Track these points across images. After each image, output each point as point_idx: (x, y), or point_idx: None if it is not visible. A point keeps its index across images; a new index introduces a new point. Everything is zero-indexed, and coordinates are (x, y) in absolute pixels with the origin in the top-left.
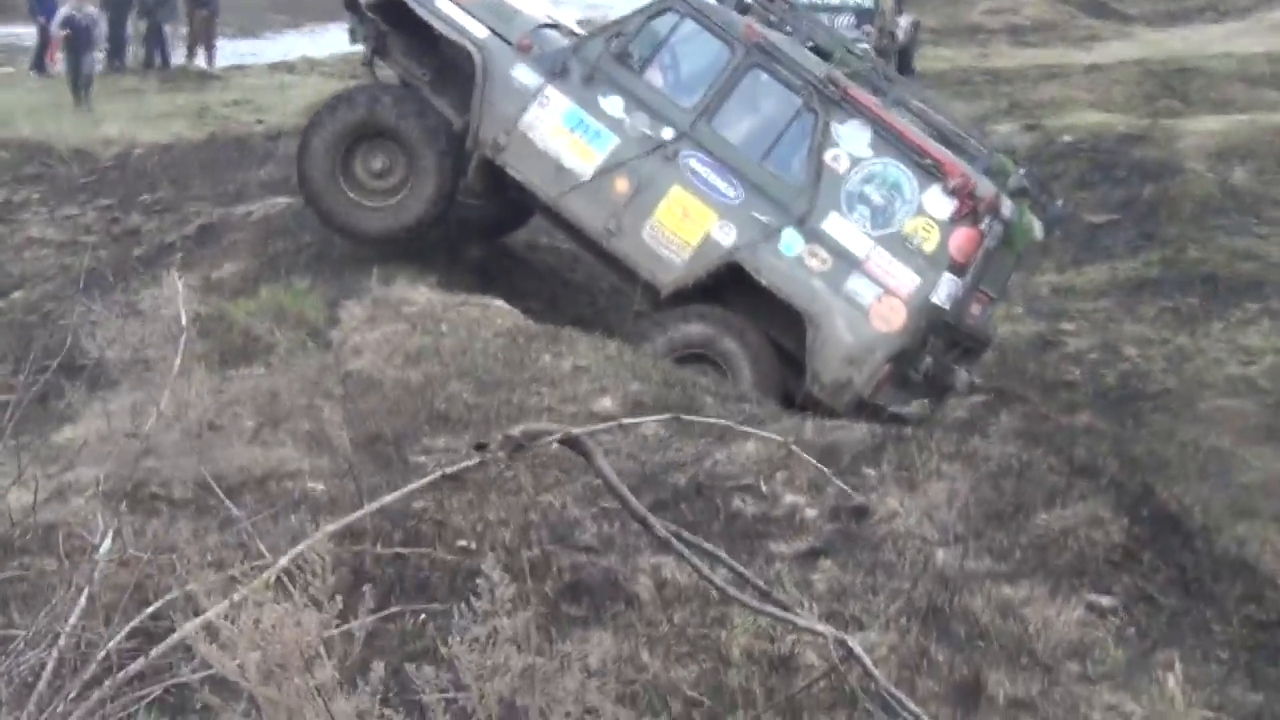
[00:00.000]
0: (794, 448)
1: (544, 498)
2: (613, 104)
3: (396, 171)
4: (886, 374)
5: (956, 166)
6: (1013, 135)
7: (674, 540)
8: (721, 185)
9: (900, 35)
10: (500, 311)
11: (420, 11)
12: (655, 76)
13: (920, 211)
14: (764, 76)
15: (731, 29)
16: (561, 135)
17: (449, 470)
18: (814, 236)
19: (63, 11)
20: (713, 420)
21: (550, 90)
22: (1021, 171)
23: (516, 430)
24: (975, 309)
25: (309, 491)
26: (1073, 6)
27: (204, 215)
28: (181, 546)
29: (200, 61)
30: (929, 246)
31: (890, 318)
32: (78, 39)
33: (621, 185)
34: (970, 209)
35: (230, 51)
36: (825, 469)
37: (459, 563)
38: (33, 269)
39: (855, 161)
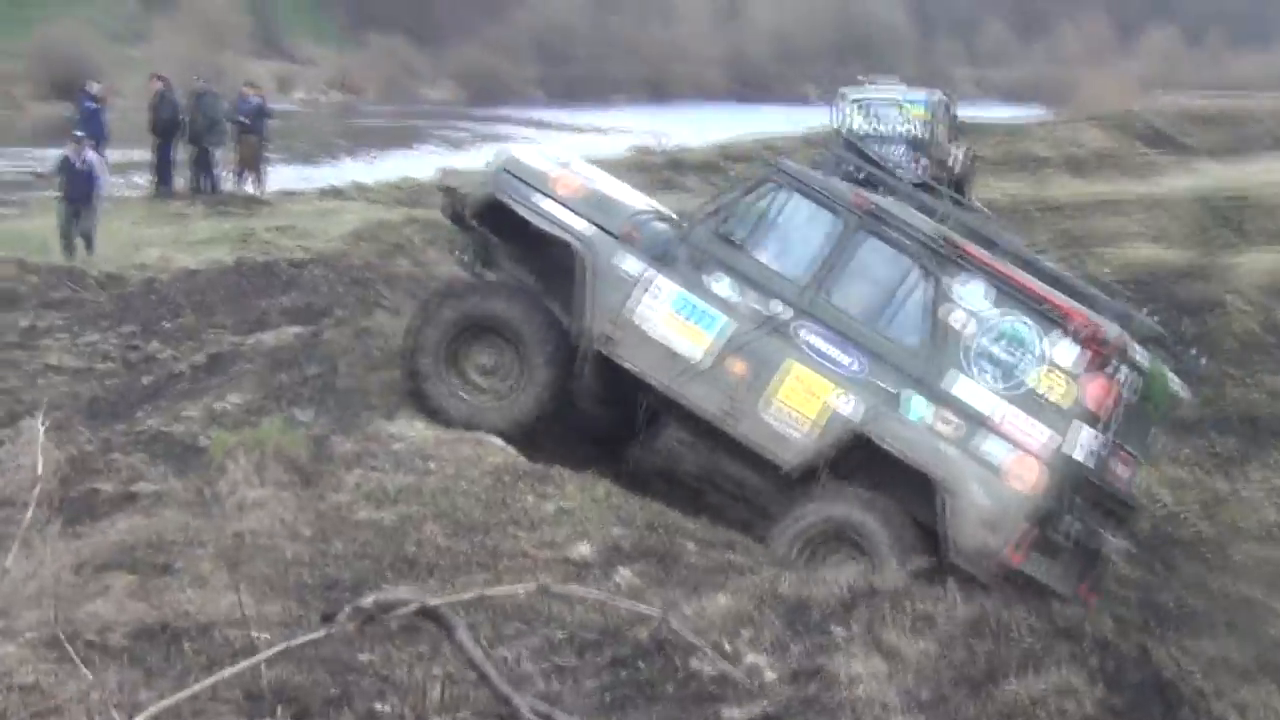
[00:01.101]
0: (671, 622)
1: (499, 651)
2: (722, 285)
3: (506, 368)
4: (1030, 538)
5: (1080, 313)
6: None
7: None
8: (840, 356)
9: (955, 165)
10: (492, 450)
11: (521, 211)
12: (762, 252)
13: (1048, 363)
14: (875, 242)
15: (839, 198)
16: (672, 321)
17: (293, 643)
18: (940, 399)
19: (56, 155)
20: (586, 591)
21: (657, 277)
22: (1153, 317)
23: (368, 600)
24: (1120, 469)
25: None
26: (1133, 137)
27: (216, 344)
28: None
29: (249, 187)
30: (1061, 399)
31: (1026, 476)
32: (72, 187)
33: (737, 366)
34: (1099, 355)
35: (287, 176)
36: (704, 647)
37: None
38: (44, 395)
39: (975, 318)
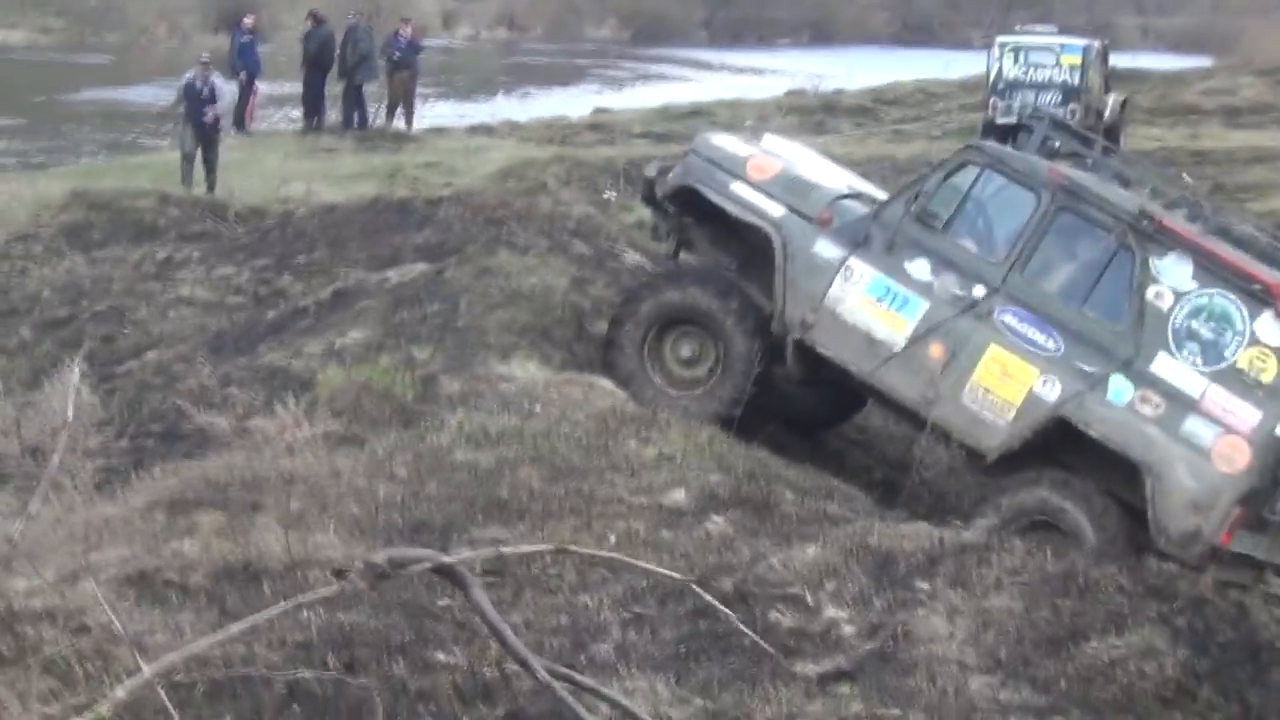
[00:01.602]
0: (695, 587)
1: (581, 598)
2: (919, 268)
3: (706, 359)
4: (1239, 518)
5: None
6: None
7: (554, 684)
8: (1040, 338)
9: (1107, 114)
10: (601, 393)
11: (714, 197)
12: (960, 234)
13: (1254, 341)
14: (1074, 219)
15: (1035, 175)
16: (870, 306)
17: (303, 599)
18: (1143, 380)
19: (183, 79)
20: (602, 553)
21: (854, 261)
22: None
23: (381, 556)
24: None
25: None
26: None
27: (345, 280)
28: None
29: (399, 123)
30: (1268, 377)
31: (1234, 457)
32: (193, 108)
33: (936, 351)
34: None
35: (442, 112)
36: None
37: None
38: (172, 329)
39: (1179, 296)
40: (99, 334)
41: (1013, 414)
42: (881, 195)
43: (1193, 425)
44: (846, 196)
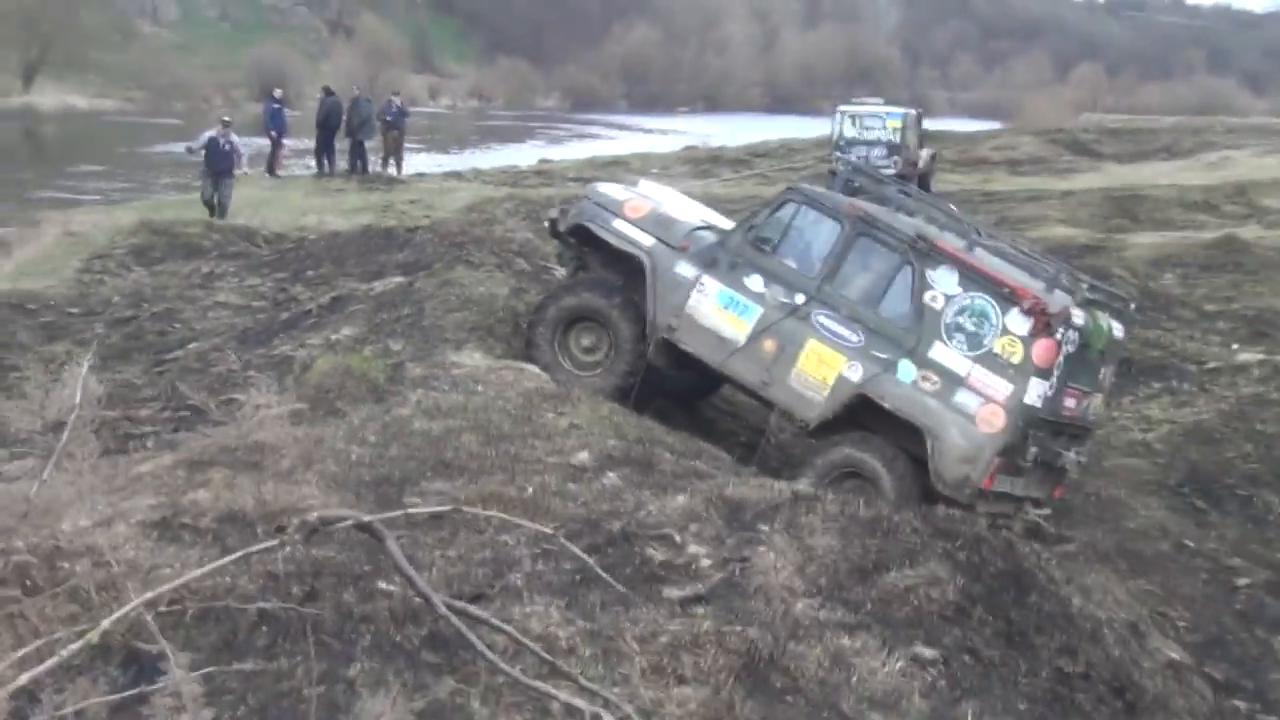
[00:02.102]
0: (562, 540)
1: (503, 537)
2: (755, 282)
3: (601, 346)
4: (998, 466)
5: (1028, 290)
6: None
7: (453, 617)
8: (846, 333)
9: (921, 163)
10: (530, 376)
11: (600, 232)
12: (785, 255)
13: (1005, 331)
14: (869, 242)
15: (838, 209)
16: (718, 313)
17: (252, 549)
18: (924, 364)
19: (206, 135)
20: (490, 514)
21: (706, 278)
22: (1085, 285)
23: (313, 516)
24: (1070, 403)
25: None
26: (1060, 146)
27: (342, 288)
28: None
29: (390, 170)
30: (1016, 359)
31: (993, 420)
32: (215, 162)
33: (769, 345)
34: (1044, 323)
35: (423, 161)
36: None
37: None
38: (211, 326)
39: (949, 299)
40: (155, 329)
41: (827, 392)
42: (729, 225)
43: (962, 397)
44: (701, 228)
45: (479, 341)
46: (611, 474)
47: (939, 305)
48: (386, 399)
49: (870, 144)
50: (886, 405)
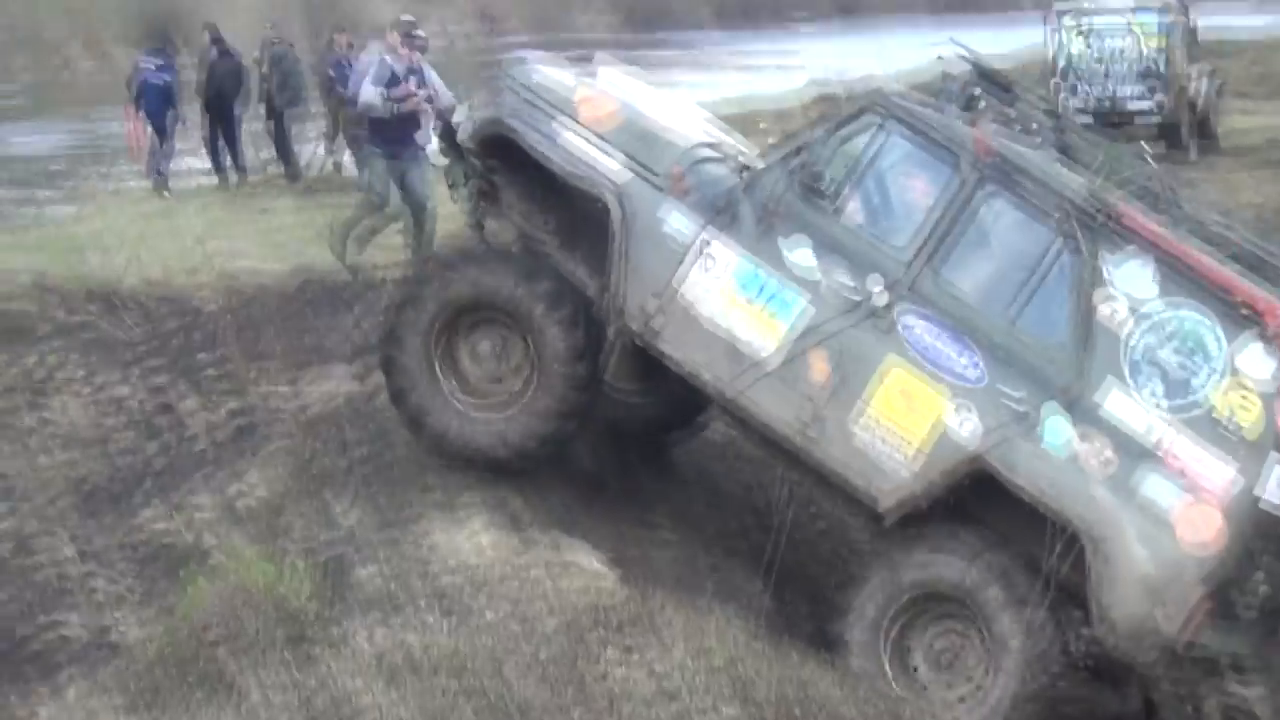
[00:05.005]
0: None
1: None
2: (801, 253)
3: (512, 364)
4: (1205, 609)
5: (1278, 307)
6: None
7: None
8: (955, 356)
9: (1198, 98)
10: (580, 573)
11: (533, 146)
12: (855, 211)
13: (1232, 373)
14: (1004, 202)
15: (956, 141)
16: (734, 302)
17: None
18: (1088, 420)
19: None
20: None
21: (715, 241)
22: None
23: None
24: None
25: None
26: None
27: (250, 397)
28: None
29: (344, 156)
30: (1249, 421)
31: (1203, 528)
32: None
33: (819, 366)
34: None
35: None
36: None
37: None
38: (35, 478)
39: (1137, 310)
40: None
41: (917, 456)
42: (755, 153)
43: (1151, 484)
44: (712, 151)
45: (485, 496)
46: None
47: (1120, 321)
48: (315, 647)
49: (1115, 73)
50: (1019, 488)
